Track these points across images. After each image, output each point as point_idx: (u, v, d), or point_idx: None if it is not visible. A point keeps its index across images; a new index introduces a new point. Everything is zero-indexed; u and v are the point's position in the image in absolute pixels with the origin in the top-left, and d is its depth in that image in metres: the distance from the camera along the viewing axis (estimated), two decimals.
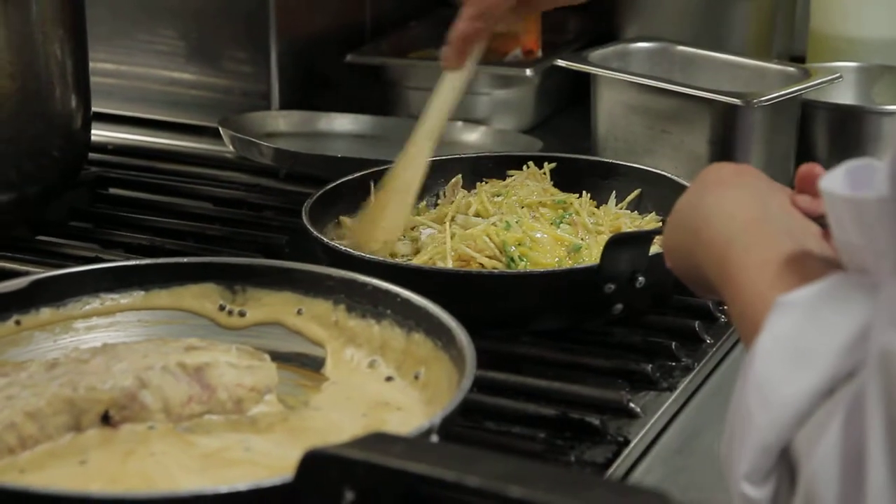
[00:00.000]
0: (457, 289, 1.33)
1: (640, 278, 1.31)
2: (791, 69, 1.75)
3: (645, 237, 1.32)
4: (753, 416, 0.86)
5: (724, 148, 1.66)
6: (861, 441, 0.79)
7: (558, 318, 1.36)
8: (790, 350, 0.86)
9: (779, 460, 0.85)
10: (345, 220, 1.51)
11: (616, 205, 1.53)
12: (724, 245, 0.99)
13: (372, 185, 1.52)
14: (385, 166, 1.54)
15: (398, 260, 1.42)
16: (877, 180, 0.83)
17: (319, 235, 1.40)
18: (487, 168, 1.59)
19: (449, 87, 1.46)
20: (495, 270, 1.37)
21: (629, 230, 1.44)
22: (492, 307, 1.34)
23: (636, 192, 1.53)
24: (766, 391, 0.86)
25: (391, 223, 1.45)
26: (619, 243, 1.31)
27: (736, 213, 1.01)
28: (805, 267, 0.92)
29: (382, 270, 1.29)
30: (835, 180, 0.86)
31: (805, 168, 1.08)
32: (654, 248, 1.33)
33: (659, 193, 1.49)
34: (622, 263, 1.31)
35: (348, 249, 1.39)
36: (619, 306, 1.34)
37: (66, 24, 1.61)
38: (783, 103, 1.67)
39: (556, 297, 1.34)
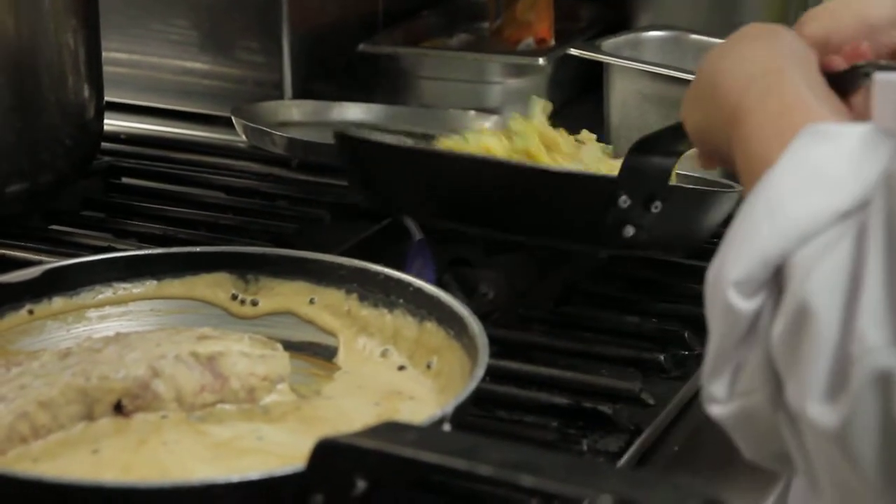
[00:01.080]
0: (469, 175, 1.30)
1: (657, 202, 1.25)
2: None
3: (676, 139, 1.16)
4: (758, 225, 0.84)
5: None
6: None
7: (568, 228, 1.32)
8: (811, 173, 0.84)
9: (771, 279, 0.84)
10: None
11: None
12: (739, 93, 0.96)
13: None
14: None
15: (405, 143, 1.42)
16: None
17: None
18: None
19: None
20: (512, 160, 1.33)
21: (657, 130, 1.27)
22: (498, 200, 1.30)
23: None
24: (775, 203, 0.84)
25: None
26: (646, 149, 1.22)
27: (756, 61, 0.97)
28: (826, 117, 0.90)
29: (392, 153, 1.32)
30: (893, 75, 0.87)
31: (853, 44, 1.06)
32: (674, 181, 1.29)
33: None
34: (645, 174, 1.23)
35: (357, 133, 1.39)
36: (631, 229, 1.26)
37: (79, 13, 1.61)
38: None
39: (570, 201, 1.30)
